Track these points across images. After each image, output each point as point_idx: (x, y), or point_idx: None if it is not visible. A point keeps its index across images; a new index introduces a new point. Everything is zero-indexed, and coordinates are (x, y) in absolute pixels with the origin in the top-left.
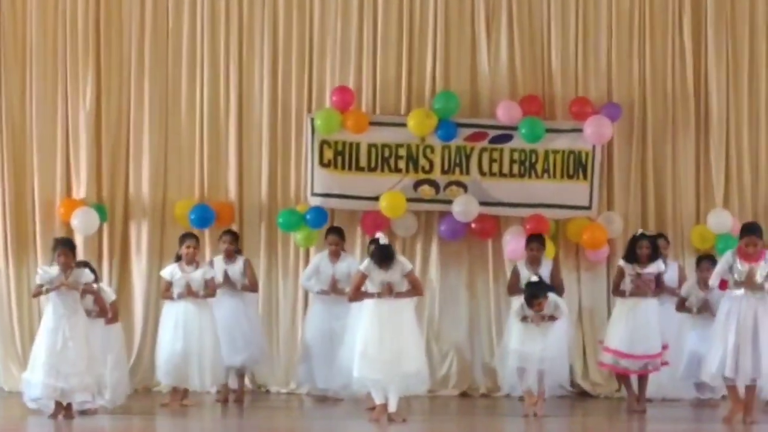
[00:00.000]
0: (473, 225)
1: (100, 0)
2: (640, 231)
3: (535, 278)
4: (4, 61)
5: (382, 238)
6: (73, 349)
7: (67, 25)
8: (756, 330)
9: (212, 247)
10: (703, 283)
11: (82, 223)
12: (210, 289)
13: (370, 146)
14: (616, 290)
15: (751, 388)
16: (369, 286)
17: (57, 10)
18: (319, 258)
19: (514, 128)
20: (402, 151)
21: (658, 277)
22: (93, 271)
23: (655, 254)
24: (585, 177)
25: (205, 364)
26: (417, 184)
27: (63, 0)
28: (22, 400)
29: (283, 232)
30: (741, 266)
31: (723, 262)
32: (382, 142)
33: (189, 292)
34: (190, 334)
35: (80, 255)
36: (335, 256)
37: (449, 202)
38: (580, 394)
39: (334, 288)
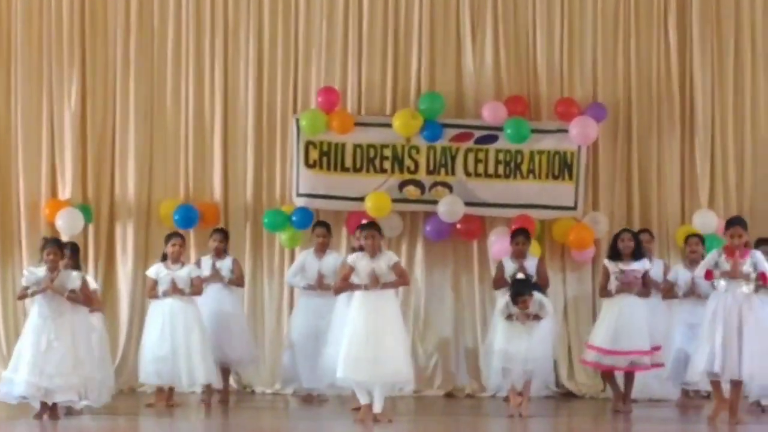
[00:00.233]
0: (458, 225)
1: (85, 1)
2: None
3: (520, 275)
4: None
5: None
6: (58, 349)
7: (52, 25)
8: (741, 328)
9: (197, 247)
10: (689, 262)
11: (67, 224)
12: (196, 287)
13: (355, 147)
14: (603, 291)
15: (736, 388)
16: (355, 279)
17: (42, 10)
18: (305, 255)
19: (500, 129)
20: (387, 152)
21: (645, 277)
22: (77, 252)
23: (639, 252)
24: (570, 177)
25: (195, 361)
26: (402, 185)
27: (48, 1)
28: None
29: (268, 233)
30: (726, 264)
31: (709, 257)
32: (367, 142)
33: (174, 290)
34: (176, 333)
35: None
36: (321, 250)
37: (434, 202)
38: (566, 395)
39: (320, 283)
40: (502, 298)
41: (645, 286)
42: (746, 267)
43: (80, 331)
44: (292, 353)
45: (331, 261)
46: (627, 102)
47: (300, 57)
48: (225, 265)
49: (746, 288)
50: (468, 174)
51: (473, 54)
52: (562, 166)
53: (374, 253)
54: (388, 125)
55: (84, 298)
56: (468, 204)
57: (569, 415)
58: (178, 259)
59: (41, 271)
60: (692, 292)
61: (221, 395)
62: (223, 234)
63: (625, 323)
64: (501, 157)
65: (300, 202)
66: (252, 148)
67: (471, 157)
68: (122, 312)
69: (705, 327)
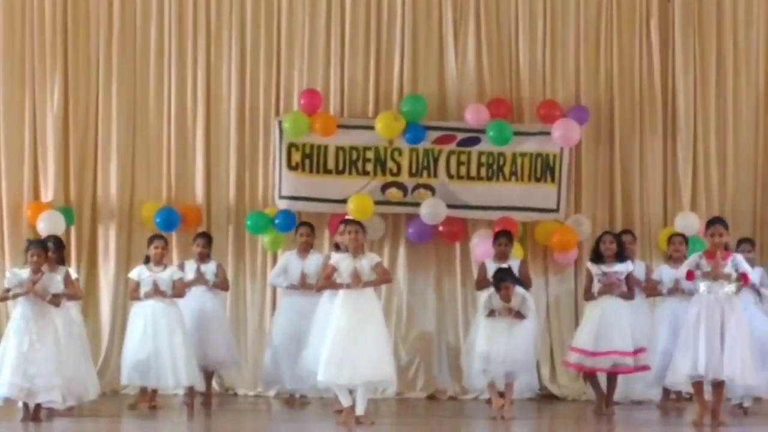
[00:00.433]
0: (441, 228)
1: (68, 2)
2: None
3: (504, 266)
4: None
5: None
6: (41, 351)
7: (34, 27)
8: (723, 329)
9: (180, 249)
10: (673, 261)
11: (48, 227)
12: (178, 289)
13: (337, 149)
14: (587, 294)
15: (718, 390)
16: (338, 280)
17: (24, 11)
18: (288, 256)
19: (482, 131)
20: (370, 154)
21: (628, 279)
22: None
23: (622, 254)
24: (553, 180)
25: (178, 363)
26: (385, 187)
27: (30, 2)
28: None
29: (250, 235)
30: (708, 266)
31: (691, 259)
32: (349, 144)
33: (156, 292)
34: (158, 335)
35: None
36: (305, 250)
37: (417, 204)
38: (548, 397)
39: (303, 283)
40: (485, 292)
41: (629, 288)
42: (727, 268)
43: (63, 333)
44: (274, 354)
45: (314, 261)
46: (609, 104)
47: (282, 59)
48: (209, 269)
49: (728, 289)
50: (450, 176)
51: (456, 56)
52: (544, 169)
53: (357, 249)
54: (371, 127)
55: (68, 296)
56: (450, 206)
57: (551, 418)
58: (161, 261)
59: (25, 272)
60: (676, 290)
61: (204, 397)
62: (207, 238)
63: (607, 324)
64: (483, 159)
65: (282, 204)
66: (234, 150)
67: (453, 159)
68: (104, 314)
69: (687, 330)
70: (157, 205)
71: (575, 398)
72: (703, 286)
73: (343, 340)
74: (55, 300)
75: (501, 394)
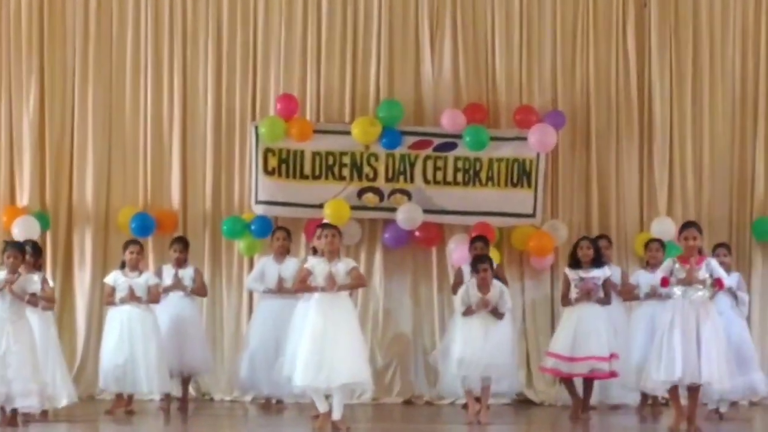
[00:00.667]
0: (417, 233)
1: (44, 6)
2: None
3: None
4: None
5: None
6: (17, 354)
7: (10, 31)
8: (698, 334)
9: (156, 254)
10: (650, 266)
11: (22, 232)
12: (153, 295)
13: (314, 154)
14: (565, 300)
15: (693, 395)
16: (313, 282)
17: (0, 15)
18: (264, 261)
19: (459, 136)
20: (346, 159)
21: (605, 284)
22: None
23: (599, 260)
24: (529, 185)
25: (151, 369)
26: (361, 192)
27: (6, 6)
28: None
29: (227, 240)
30: (682, 271)
31: (665, 265)
32: (326, 150)
33: (132, 297)
34: (134, 340)
35: None
36: (282, 254)
37: (393, 210)
38: (524, 402)
39: (280, 287)
40: (462, 288)
41: (605, 294)
42: (702, 273)
43: (40, 335)
44: (251, 359)
45: (292, 266)
46: (586, 109)
47: (259, 64)
48: (187, 274)
49: (702, 293)
50: (427, 181)
51: (432, 61)
52: (521, 174)
53: (333, 253)
54: (347, 132)
55: (46, 301)
56: (427, 211)
57: (528, 423)
58: (136, 266)
59: (1, 273)
60: (653, 294)
61: (180, 403)
62: (183, 243)
63: (584, 330)
64: (460, 164)
65: (259, 209)
66: (211, 155)
67: (430, 164)
68: (80, 320)
69: (662, 335)
70: (134, 211)
71: (551, 403)
72: (678, 291)
73: (319, 343)
74: (33, 300)
75: (478, 399)
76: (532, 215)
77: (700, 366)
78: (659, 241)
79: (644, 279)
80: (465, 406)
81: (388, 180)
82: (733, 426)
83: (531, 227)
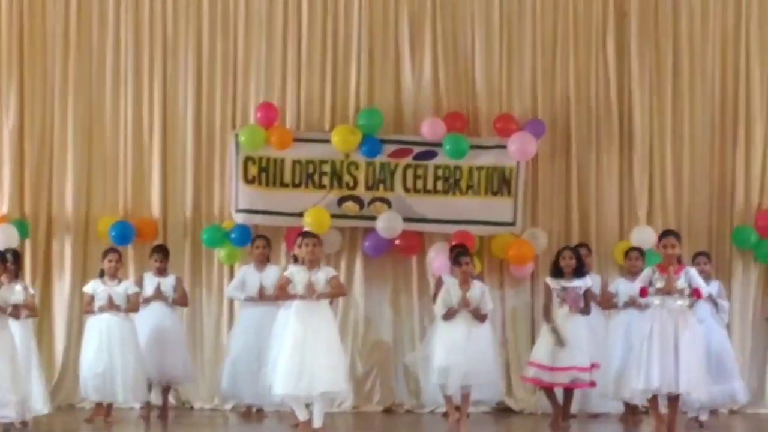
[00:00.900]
0: (397, 241)
1: (24, 15)
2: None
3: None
4: None
5: None
6: None
7: None
8: (677, 343)
9: (136, 263)
10: (630, 274)
11: (2, 240)
12: (132, 304)
13: (294, 162)
14: (547, 312)
15: (673, 404)
16: (292, 291)
17: None
18: (245, 270)
19: (439, 145)
20: (326, 168)
21: (586, 294)
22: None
23: (580, 269)
24: (509, 193)
25: (128, 379)
26: (341, 201)
27: None
28: None
29: (207, 249)
30: (661, 280)
31: (644, 274)
32: (306, 158)
33: (110, 306)
34: (113, 349)
35: None
36: (262, 262)
37: (373, 218)
38: (504, 411)
39: (261, 295)
40: (442, 290)
41: (585, 304)
42: (680, 282)
43: (21, 345)
44: (232, 367)
45: (273, 274)
46: (566, 118)
47: (239, 72)
48: (168, 282)
49: (681, 303)
50: (407, 190)
51: (412, 70)
52: (500, 182)
53: (314, 262)
54: (327, 141)
55: (28, 309)
56: (407, 220)
57: (507, 431)
58: (115, 275)
59: None
60: (632, 303)
61: (160, 411)
62: (164, 252)
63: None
64: (440, 173)
65: (239, 218)
66: (191, 163)
67: (410, 172)
68: (59, 328)
69: (641, 344)
70: (114, 219)
71: (532, 411)
72: (656, 300)
73: (299, 351)
74: (15, 312)
75: (458, 408)
76: (512, 223)
77: (678, 375)
78: (639, 249)
79: (623, 287)
80: (445, 415)
81: (368, 188)
82: None
83: (511, 235)
